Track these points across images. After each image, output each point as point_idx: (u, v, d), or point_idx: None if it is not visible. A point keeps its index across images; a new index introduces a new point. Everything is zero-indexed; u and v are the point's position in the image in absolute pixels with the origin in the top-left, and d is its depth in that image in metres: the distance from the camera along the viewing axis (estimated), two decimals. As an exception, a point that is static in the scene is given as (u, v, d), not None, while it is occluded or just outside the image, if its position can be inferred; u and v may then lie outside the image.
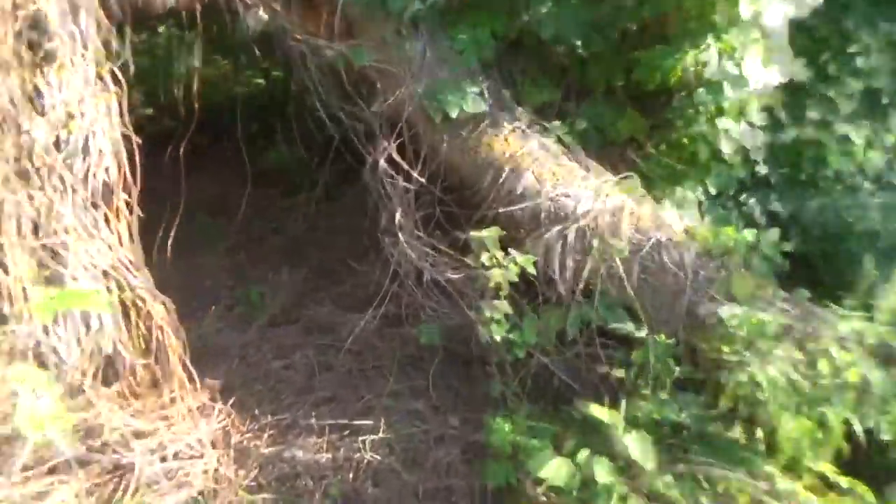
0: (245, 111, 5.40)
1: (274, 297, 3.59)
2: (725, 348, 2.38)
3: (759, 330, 2.36)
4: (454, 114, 2.84)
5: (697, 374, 2.42)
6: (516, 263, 2.42)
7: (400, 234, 2.81)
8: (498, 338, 2.51)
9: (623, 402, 2.22)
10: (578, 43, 3.09)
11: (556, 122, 3.13)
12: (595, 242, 2.64)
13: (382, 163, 2.88)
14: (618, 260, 2.58)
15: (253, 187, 4.83)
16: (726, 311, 2.40)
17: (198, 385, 2.69)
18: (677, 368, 2.39)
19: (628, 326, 2.53)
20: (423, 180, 2.91)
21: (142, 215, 2.04)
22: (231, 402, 2.69)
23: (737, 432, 2.34)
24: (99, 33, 1.95)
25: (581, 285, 2.65)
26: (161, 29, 5.23)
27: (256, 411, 2.68)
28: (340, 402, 2.82)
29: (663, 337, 2.44)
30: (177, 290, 3.65)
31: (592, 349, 2.68)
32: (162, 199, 3.87)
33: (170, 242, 3.28)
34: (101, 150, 1.81)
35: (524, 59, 3.29)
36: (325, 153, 3.89)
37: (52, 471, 1.99)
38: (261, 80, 6.41)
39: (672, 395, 2.38)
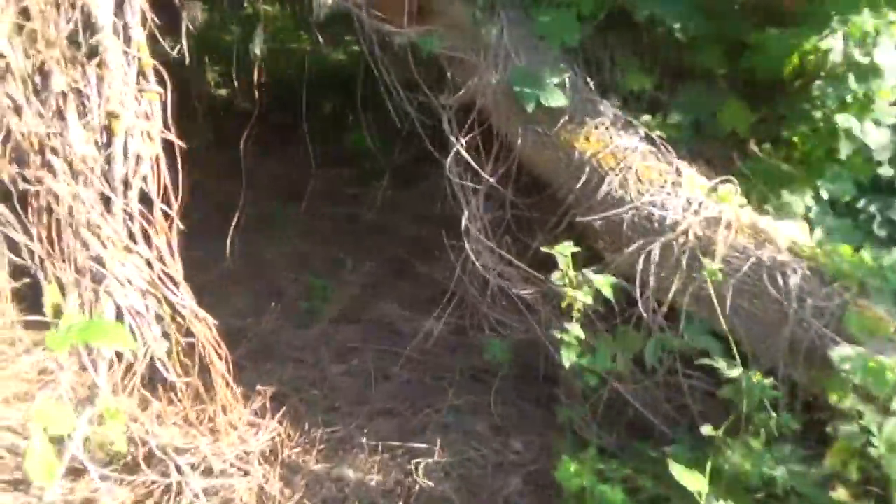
0: (327, 90, 5.29)
1: (337, 292, 3.46)
2: (834, 395, 2.04)
3: (878, 376, 2.00)
4: (531, 107, 2.56)
5: (799, 421, 2.09)
6: (592, 285, 2.15)
7: (465, 240, 2.57)
8: (568, 363, 2.26)
9: (709, 460, 1.93)
10: (677, 25, 2.72)
11: (646, 117, 2.81)
12: (684, 260, 2.32)
13: (450, 160, 2.65)
14: (709, 281, 2.26)
15: (329, 170, 4.73)
16: (838, 350, 2.05)
17: (249, 393, 2.59)
18: (774, 415, 2.07)
19: (718, 362, 2.21)
20: (492, 181, 2.65)
21: (182, 227, 1.89)
22: (283, 411, 2.56)
23: (844, 495, 2.01)
24: (144, 26, 1.81)
25: (665, 308, 2.35)
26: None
27: (308, 423, 2.55)
28: (396, 415, 2.66)
29: (759, 375, 2.12)
30: (242, 280, 3.63)
31: (674, 378, 2.39)
32: (238, 183, 3.86)
33: (236, 230, 3.24)
34: (139, 156, 1.67)
35: (613, 43, 2.96)
36: (402, 137, 3.70)
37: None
38: (342, 57, 6.26)
39: (767, 445, 2.07)
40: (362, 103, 3.93)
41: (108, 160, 1.66)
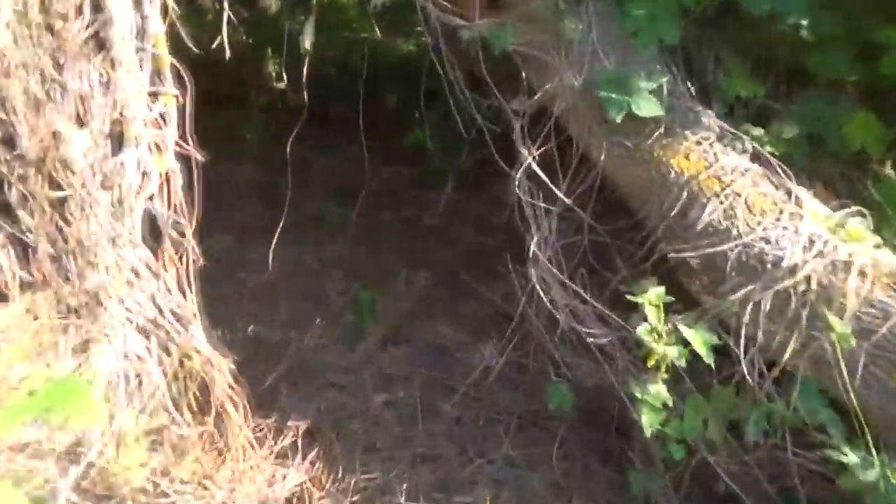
0: (394, 82, 4.96)
1: (387, 307, 3.15)
2: None
3: None
4: (619, 116, 2.16)
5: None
6: (686, 345, 1.75)
7: (532, 269, 2.21)
8: (650, 430, 1.87)
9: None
10: (804, 23, 2.26)
11: (757, 130, 2.36)
12: (803, 314, 1.89)
13: (520, 174, 2.28)
14: (836, 341, 1.83)
15: (388, 170, 4.42)
16: None
17: (280, 426, 2.31)
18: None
19: (839, 443, 1.79)
20: (568, 201, 2.27)
21: (200, 262, 1.59)
22: (315, 451, 2.27)
23: None
24: (165, 17, 1.52)
25: (776, 371, 1.93)
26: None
27: (343, 466, 2.26)
28: (443, 463, 2.33)
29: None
30: (287, 287, 3.36)
31: (780, 455, 1.97)
32: (293, 180, 3.61)
33: (286, 232, 2.98)
34: (145, 173, 1.39)
35: (720, 41, 2.51)
36: (469, 137, 3.35)
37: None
38: (413, 47, 5.91)
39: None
40: (426, 98, 3.58)
41: (111, 175, 1.38)
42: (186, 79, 1.48)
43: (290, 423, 2.36)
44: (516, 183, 2.27)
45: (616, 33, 2.29)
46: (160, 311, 1.43)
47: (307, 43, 2.17)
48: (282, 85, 4.71)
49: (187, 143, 1.48)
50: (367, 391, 2.67)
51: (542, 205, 2.23)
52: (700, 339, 1.76)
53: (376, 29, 3.56)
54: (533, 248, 2.27)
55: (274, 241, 3.20)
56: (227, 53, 2.04)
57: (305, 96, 2.63)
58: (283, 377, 2.72)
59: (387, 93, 4.84)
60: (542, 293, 2.16)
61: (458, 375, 2.71)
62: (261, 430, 2.32)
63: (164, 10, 1.51)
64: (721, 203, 2.07)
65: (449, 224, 3.83)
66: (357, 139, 5.17)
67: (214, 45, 2.19)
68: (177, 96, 1.50)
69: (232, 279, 3.42)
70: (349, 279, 3.39)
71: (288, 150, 3.02)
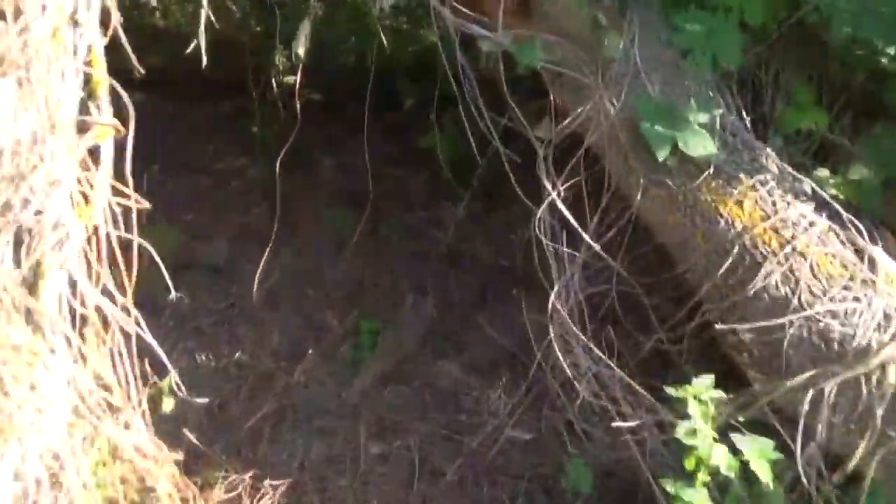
0: (418, 78, 4.63)
1: (390, 338, 2.85)
2: None
3: None
4: (664, 153, 1.83)
5: None
6: (736, 453, 1.43)
7: (550, 325, 1.90)
8: (682, 538, 1.57)
9: None
10: (892, 52, 1.91)
11: (822, 171, 2.03)
12: (878, 409, 1.57)
13: (542, 211, 1.96)
14: (916, 446, 1.51)
15: (402, 176, 4.11)
16: None
17: (258, 483, 2.04)
18: None
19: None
20: (596, 246, 1.95)
21: (141, 330, 1.27)
22: (296, 515, 2.00)
23: None
24: (106, 30, 1.20)
25: (841, 474, 1.61)
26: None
27: (324, 538, 1.98)
28: (439, 536, 2.05)
29: None
30: (284, 308, 3.08)
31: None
32: (304, 181, 3.34)
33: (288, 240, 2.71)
34: (59, 223, 1.08)
35: (783, 64, 2.17)
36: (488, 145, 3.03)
37: None
38: (435, 39, 5.56)
39: None
40: (445, 100, 3.26)
41: (17, 231, 1.09)
42: (130, 106, 1.17)
43: (267, 483, 2.07)
44: (535, 220, 1.96)
45: (663, 52, 1.96)
46: (83, 400, 1.15)
47: (301, 48, 1.86)
48: (291, 79, 4.41)
49: (127, 190, 1.17)
50: (360, 440, 2.38)
51: (566, 250, 1.92)
52: (757, 453, 1.45)
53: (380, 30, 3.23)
54: (553, 299, 1.96)
55: (271, 251, 2.97)
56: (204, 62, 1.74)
57: (299, 111, 2.32)
58: (267, 418, 2.45)
59: (403, 89, 4.51)
60: (560, 355, 1.85)
61: (464, 427, 2.42)
62: (234, 490, 2.05)
63: (106, 21, 1.20)
64: (780, 264, 1.74)
65: (464, 241, 3.50)
66: (373, 138, 4.85)
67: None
68: (116, 128, 1.19)
69: (223, 294, 3.15)
70: (350, 302, 3.10)
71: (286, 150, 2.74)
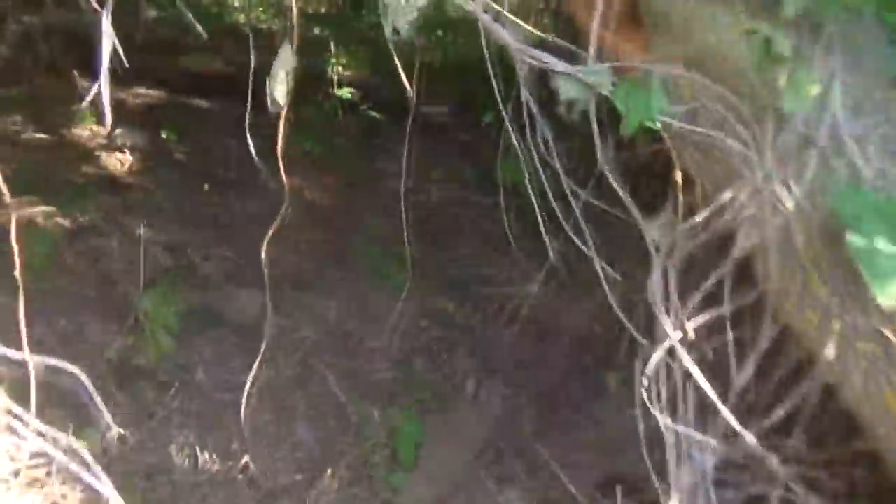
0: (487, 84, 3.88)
1: (437, 446, 2.16)
2: None
3: None
4: (887, 292, 1.00)
5: None
6: None
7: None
8: None
9: None
10: None
11: None
12: None
13: (657, 357, 1.18)
14: None
15: (479, 207, 3.39)
16: None
17: None
18: None
19: None
20: (738, 427, 1.15)
21: None
22: None
23: None
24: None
25: None
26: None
27: None
28: None
29: None
30: (305, 399, 2.41)
31: None
32: (353, 203, 2.89)
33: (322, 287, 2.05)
34: None
35: None
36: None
37: None
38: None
39: None
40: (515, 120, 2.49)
41: None
42: None
43: None
44: (640, 373, 1.18)
45: (889, 102, 1.11)
46: None
47: (278, 93, 1.18)
48: (347, 93, 3.75)
49: None
50: None
51: (697, 435, 1.13)
52: None
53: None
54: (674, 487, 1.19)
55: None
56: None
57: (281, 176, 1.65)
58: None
59: (485, 102, 3.75)
60: None
61: None
62: None
63: None
64: None
65: (549, 307, 2.73)
66: (450, 159, 4.17)
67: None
68: None
69: (244, 368, 2.54)
70: (389, 388, 2.41)
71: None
